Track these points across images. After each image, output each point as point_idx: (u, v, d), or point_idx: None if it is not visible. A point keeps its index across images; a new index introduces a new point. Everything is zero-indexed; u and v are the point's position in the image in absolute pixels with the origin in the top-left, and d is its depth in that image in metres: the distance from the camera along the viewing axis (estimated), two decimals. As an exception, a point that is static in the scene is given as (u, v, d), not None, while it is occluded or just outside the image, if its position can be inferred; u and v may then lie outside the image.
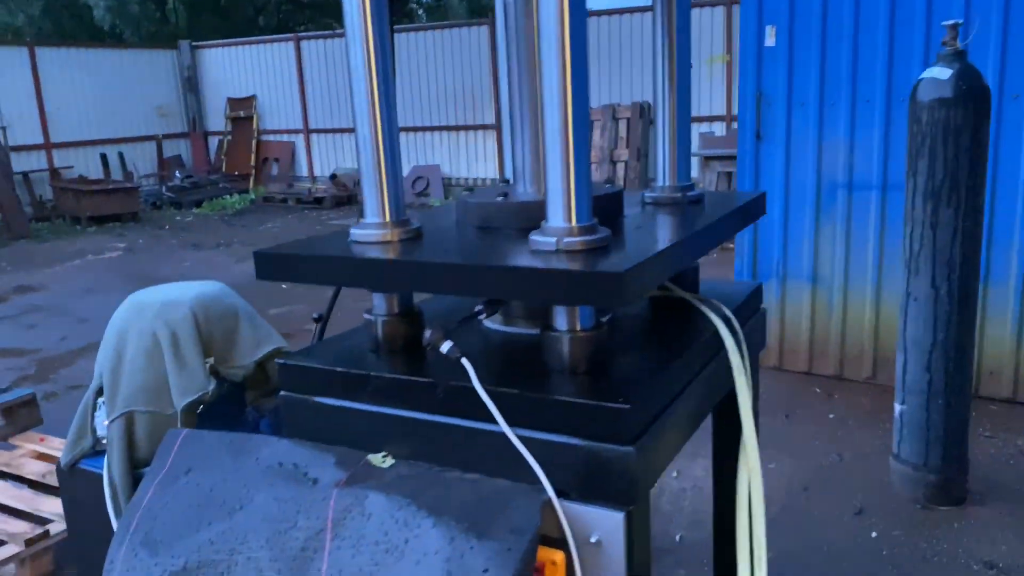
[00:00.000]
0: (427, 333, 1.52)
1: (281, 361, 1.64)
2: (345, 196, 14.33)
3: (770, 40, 4.70)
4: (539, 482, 1.35)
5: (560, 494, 1.34)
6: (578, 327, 1.46)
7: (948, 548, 3.12)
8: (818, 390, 4.70)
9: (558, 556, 1.32)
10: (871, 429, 4.21)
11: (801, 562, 3.00)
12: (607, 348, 1.51)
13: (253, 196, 15.02)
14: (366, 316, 1.66)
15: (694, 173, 6.82)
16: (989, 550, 3.10)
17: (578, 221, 1.43)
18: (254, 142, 16.13)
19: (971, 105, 3.01)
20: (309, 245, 1.65)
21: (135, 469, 1.98)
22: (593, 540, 1.33)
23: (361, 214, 1.65)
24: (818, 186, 4.78)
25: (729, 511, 2.14)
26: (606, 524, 1.33)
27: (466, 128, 14.14)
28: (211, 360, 2.02)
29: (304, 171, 16.04)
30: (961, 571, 2.98)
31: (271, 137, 16.26)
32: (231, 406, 2.07)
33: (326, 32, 16.01)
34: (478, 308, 1.68)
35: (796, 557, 3.06)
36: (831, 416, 4.43)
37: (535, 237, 1.45)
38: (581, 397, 1.36)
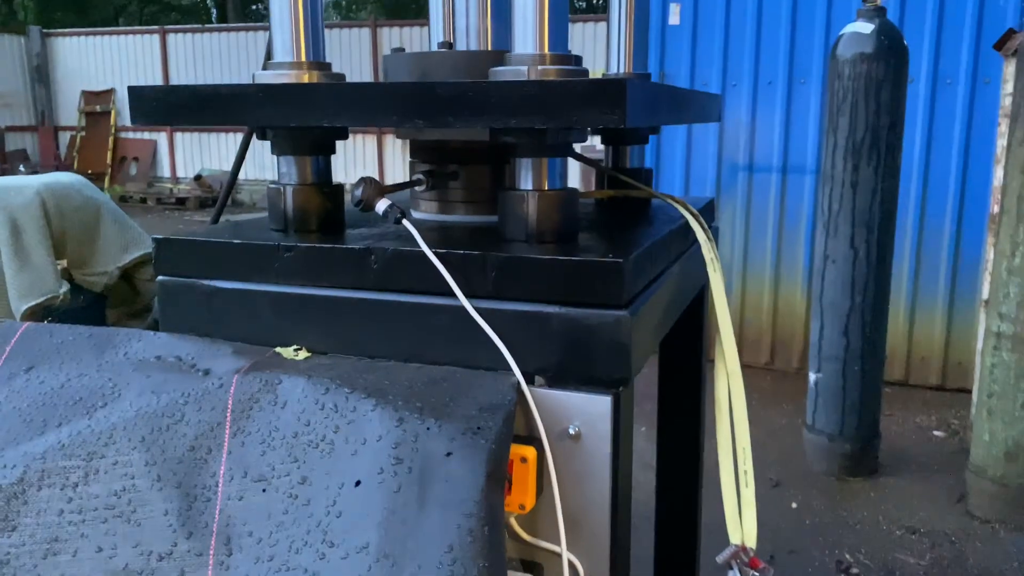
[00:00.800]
0: (357, 190, 1.22)
1: (160, 237, 1.29)
2: (210, 198, 13.51)
3: (674, 19, 4.63)
4: (503, 366, 1.06)
5: (527, 379, 1.06)
6: (546, 185, 1.20)
7: (869, 516, 3.02)
8: (717, 375, 4.60)
9: (529, 452, 1.04)
10: (775, 409, 4.13)
11: (724, 535, 2.81)
12: (577, 217, 1.25)
13: (109, 195, 13.93)
14: (271, 186, 1.33)
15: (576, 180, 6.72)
16: (908, 516, 3.02)
17: (552, 48, 1.16)
18: (111, 139, 15.00)
19: (892, 60, 2.97)
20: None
21: (-45, 397, 1.53)
22: (572, 432, 1.06)
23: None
24: (719, 168, 4.72)
25: (675, 477, 1.92)
26: (589, 411, 1.07)
27: (344, 132, 13.66)
28: (63, 262, 1.62)
29: (166, 171, 15.05)
30: (885, 537, 2.87)
31: (131, 134, 15.18)
32: (88, 325, 1.66)
33: (195, 26, 15.17)
34: (417, 177, 1.39)
35: (717, 531, 2.87)
36: (733, 399, 4.32)
37: (497, 69, 1.18)
38: (560, 254, 1.09)
